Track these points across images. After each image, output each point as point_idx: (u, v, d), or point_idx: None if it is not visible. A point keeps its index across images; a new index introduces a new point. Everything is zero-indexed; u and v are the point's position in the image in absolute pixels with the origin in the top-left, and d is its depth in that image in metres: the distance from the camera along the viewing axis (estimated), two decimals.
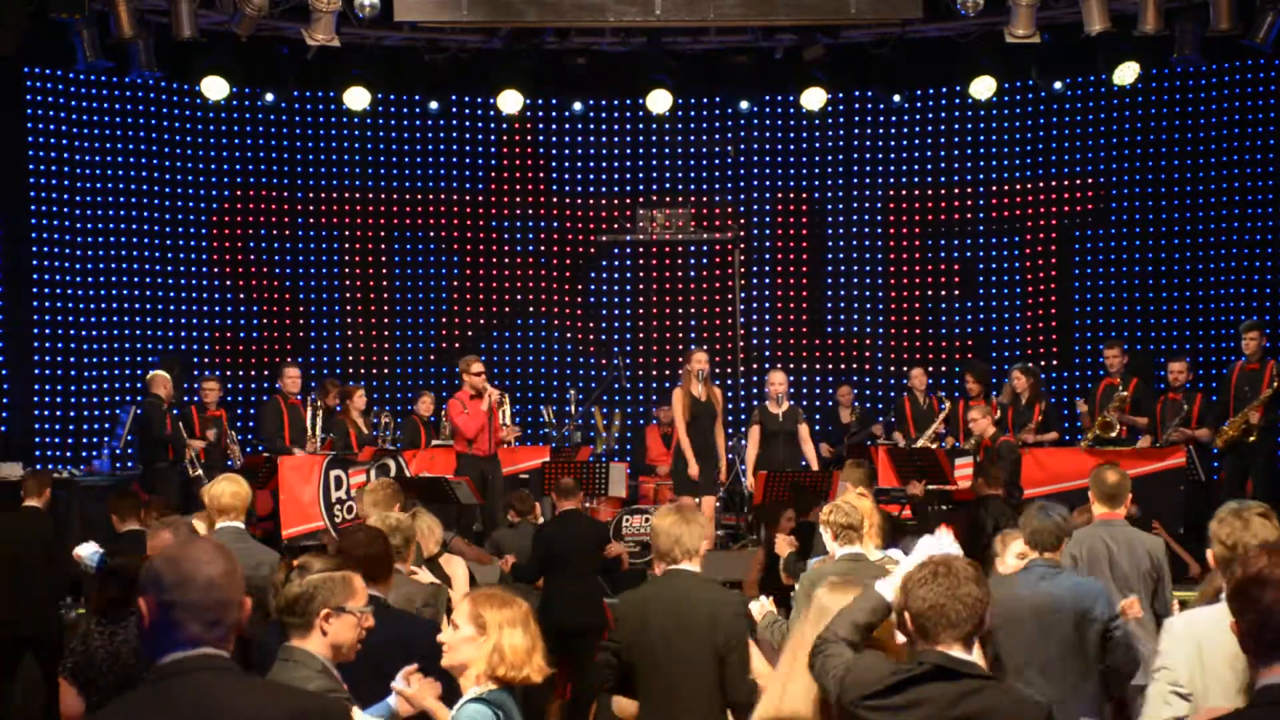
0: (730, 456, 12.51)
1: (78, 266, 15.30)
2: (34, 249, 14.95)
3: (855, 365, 16.86)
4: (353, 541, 5.54)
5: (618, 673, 5.73)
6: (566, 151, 17.28)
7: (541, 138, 17.22)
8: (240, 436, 14.44)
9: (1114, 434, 12.91)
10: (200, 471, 13.09)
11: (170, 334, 15.90)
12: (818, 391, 16.94)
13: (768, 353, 16.87)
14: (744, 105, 16.93)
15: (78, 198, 15.31)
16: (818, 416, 16.38)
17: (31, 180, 14.97)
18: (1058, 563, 6.30)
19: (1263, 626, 2.79)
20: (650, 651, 5.63)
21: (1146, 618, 7.10)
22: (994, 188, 16.70)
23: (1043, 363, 15.47)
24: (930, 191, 16.85)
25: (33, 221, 14.98)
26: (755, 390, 15.63)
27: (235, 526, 7.01)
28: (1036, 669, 6.00)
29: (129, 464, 13.83)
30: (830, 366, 16.96)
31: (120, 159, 15.64)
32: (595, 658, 8.95)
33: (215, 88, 14.48)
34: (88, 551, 9.39)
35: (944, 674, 3.68)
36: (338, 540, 8.28)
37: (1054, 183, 16.45)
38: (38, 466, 12.74)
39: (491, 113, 16.42)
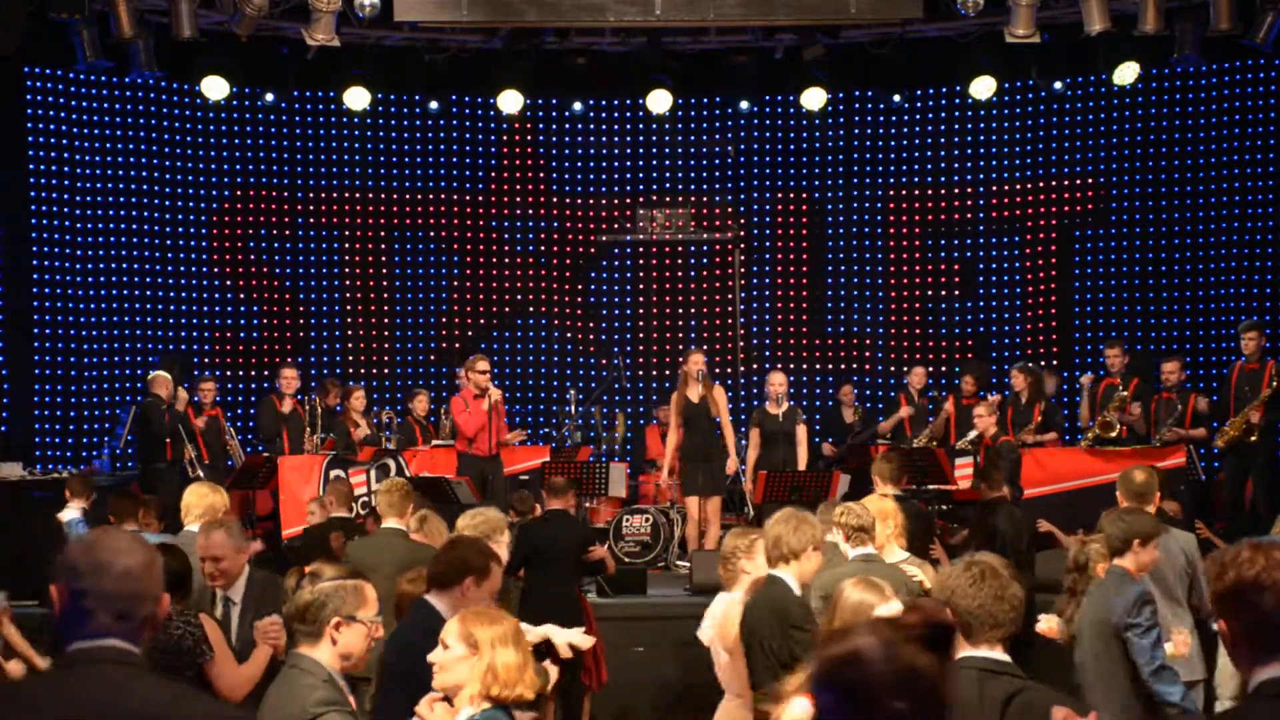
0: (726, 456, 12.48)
1: (78, 266, 15.30)
2: (34, 249, 14.95)
3: (855, 365, 16.86)
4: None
5: None
6: (566, 151, 17.27)
7: (541, 138, 17.22)
8: (240, 437, 14.45)
9: (1114, 434, 12.91)
10: (200, 473, 13.10)
11: (170, 334, 15.90)
12: (818, 391, 16.94)
13: (768, 353, 16.87)
14: (744, 105, 16.92)
15: (78, 198, 15.31)
16: (818, 416, 16.41)
17: (31, 180, 14.97)
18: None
19: (1261, 627, 2.80)
20: None
21: (1183, 612, 7.14)
22: (994, 188, 16.70)
23: (1043, 363, 15.47)
24: (930, 191, 16.85)
25: (33, 221, 14.98)
26: (755, 390, 15.63)
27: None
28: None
29: (129, 464, 13.83)
30: (830, 366, 16.96)
31: (120, 159, 15.65)
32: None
33: (215, 88, 14.48)
34: (69, 517, 9.43)
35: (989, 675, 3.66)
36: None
37: (1054, 183, 16.46)
38: (82, 467, 12.79)
39: (491, 113, 16.42)
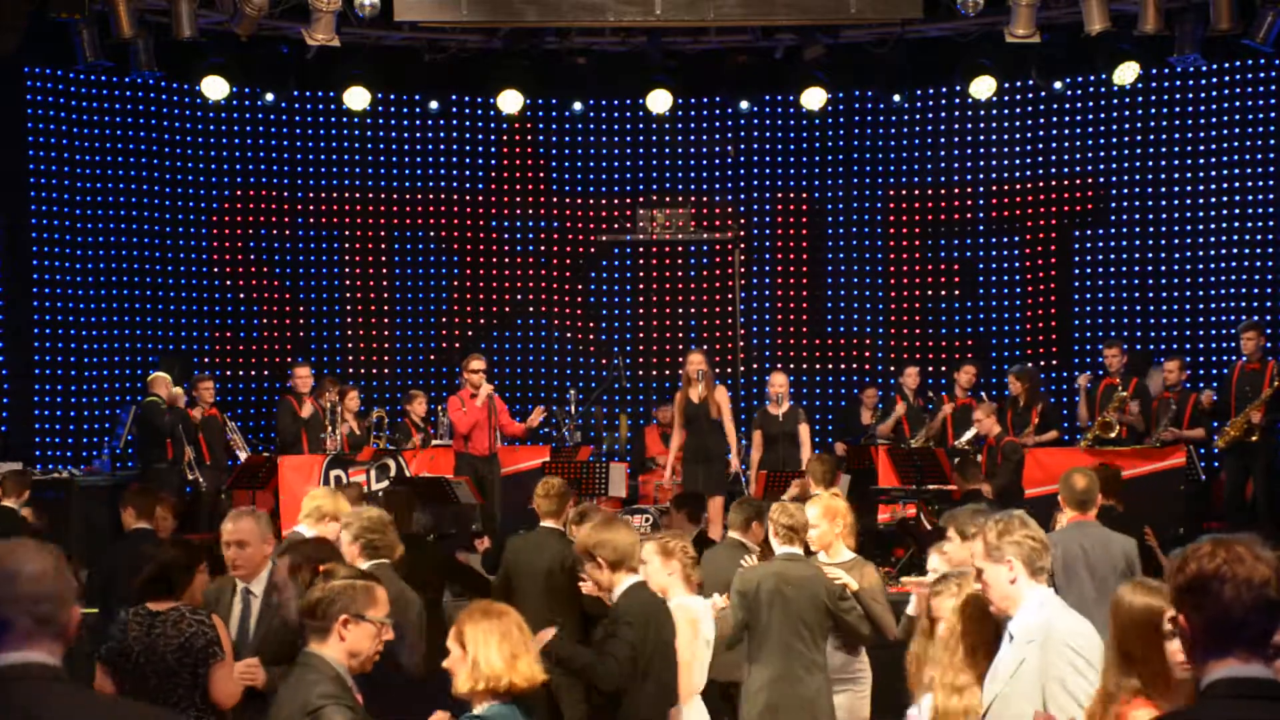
0: (730, 455, 12.49)
1: (78, 266, 15.30)
2: (34, 249, 14.95)
3: (855, 365, 16.87)
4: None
5: None
6: (566, 151, 17.27)
7: (541, 138, 17.22)
8: (248, 436, 14.45)
9: (1113, 434, 12.91)
10: (197, 474, 13.09)
11: (170, 334, 15.90)
12: (818, 391, 16.95)
13: (768, 353, 16.88)
14: (744, 105, 16.92)
15: (78, 198, 15.31)
16: (831, 416, 16.44)
17: (31, 180, 14.96)
18: None
19: (1219, 622, 2.79)
20: None
21: None
22: (994, 188, 16.70)
23: (1042, 363, 15.48)
24: (930, 191, 16.85)
25: (33, 221, 14.98)
26: (756, 390, 15.63)
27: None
28: None
29: (129, 464, 13.82)
30: (830, 366, 16.96)
31: (120, 159, 15.64)
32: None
33: (215, 88, 14.49)
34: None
35: None
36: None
37: (1054, 183, 16.45)
38: (23, 468, 12.73)
39: (491, 113, 16.42)
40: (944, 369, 16.34)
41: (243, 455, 13.77)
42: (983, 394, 13.87)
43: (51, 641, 2.82)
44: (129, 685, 5.51)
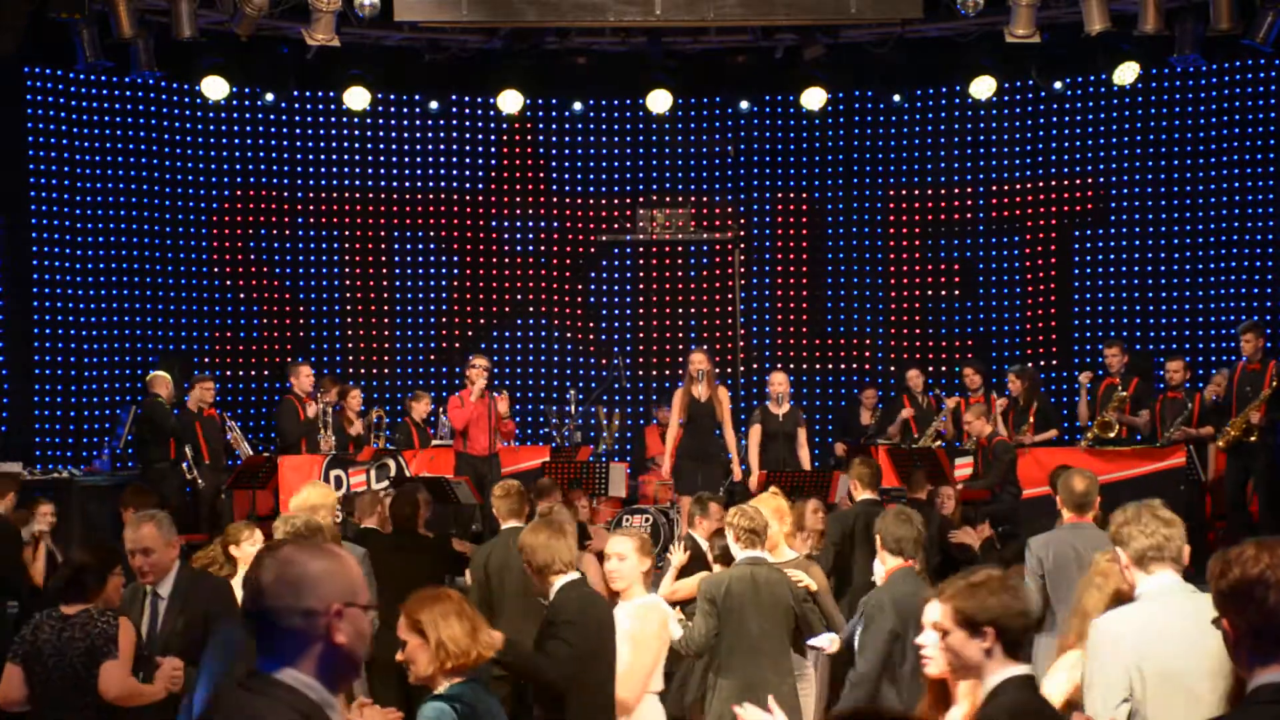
0: (728, 455, 12.48)
1: (78, 266, 15.29)
2: (34, 249, 14.95)
3: (855, 365, 16.87)
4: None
5: None
6: (566, 151, 17.28)
7: (541, 138, 17.22)
8: (250, 436, 14.44)
9: (1113, 434, 12.91)
10: (196, 474, 13.08)
11: (170, 334, 15.89)
12: (818, 391, 16.95)
13: (768, 353, 16.88)
14: (744, 105, 16.93)
15: (78, 198, 15.31)
16: (831, 416, 16.43)
17: (31, 180, 14.96)
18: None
19: (1265, 627, 2.77)
20: None
21: None
22: (994, 188, 16.70)
23: (1042, 362, 15.48)
24: (930, 191, 16.85)
25: (33, 221, 14.98)
26: (756, 390, 15.63)
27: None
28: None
29: (129, 464, 13.82)
30: (830, 366, 16.97)
31: (120, 159, 15.64)
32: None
33: (215, 88, 14.49)
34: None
35: None
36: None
37: (1054, 183, 16.46)
38: (83, 467, 12.79)
39: (491, 113, 16.43)
40: (944, 369, 16.35)
41: (243, 449, 13.76)
42: (993, 394, 13.86)
43: None
44: (39, 688, 5.54)
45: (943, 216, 16.86)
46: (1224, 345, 15.18)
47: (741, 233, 16.74)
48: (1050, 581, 7.19)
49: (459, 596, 4.48)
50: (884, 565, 6.49)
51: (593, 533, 9.88)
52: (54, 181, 15.15)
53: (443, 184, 17.04)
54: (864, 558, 8.65)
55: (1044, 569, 7.19)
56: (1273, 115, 15.29)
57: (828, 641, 6.84)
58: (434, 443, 13.68)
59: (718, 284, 16.95)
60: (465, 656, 4.32)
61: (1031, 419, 13.22)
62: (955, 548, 9.51)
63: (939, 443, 13.48)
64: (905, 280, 16.91)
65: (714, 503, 8.83)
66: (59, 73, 15.02)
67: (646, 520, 12.72)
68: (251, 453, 13.76)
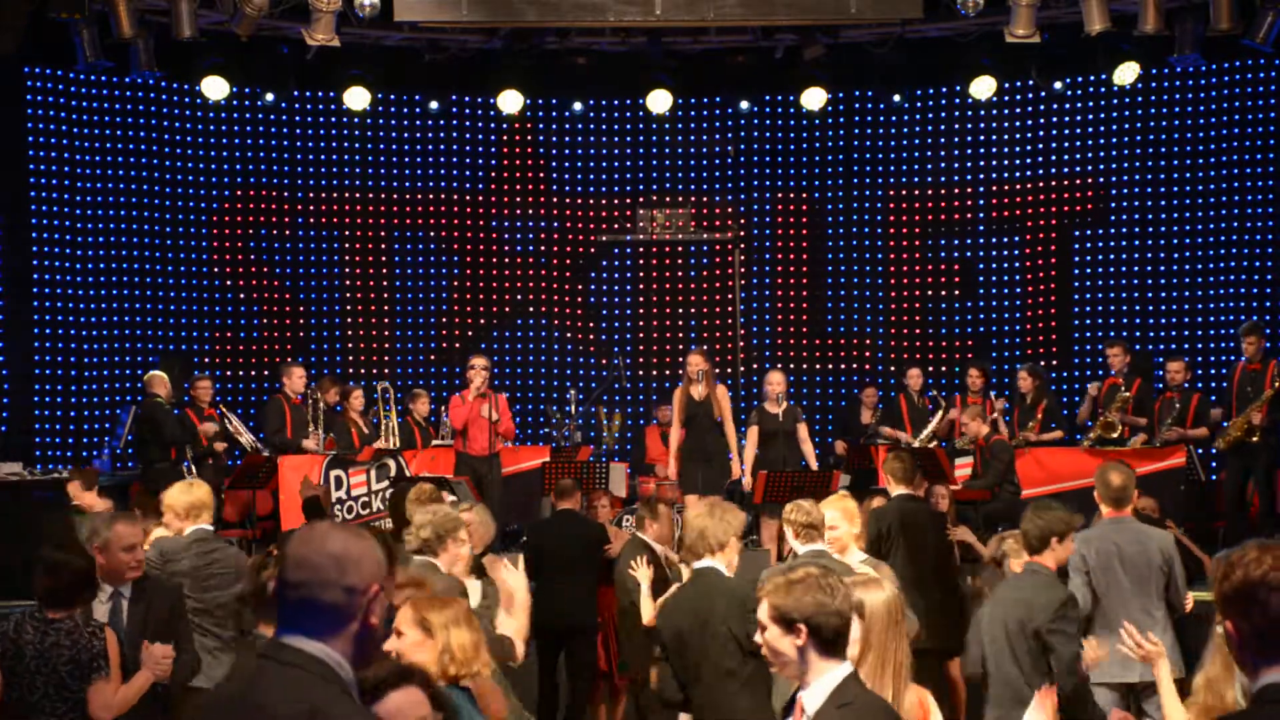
0: (729, 456, 12.48)
1: (78, 266, 15.30)
2: (34, 249, 14.95)
3: (855, 365, 16.87)
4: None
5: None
6: (566, 151, 17.28)
7: (541, 138, 17.22)
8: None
9: (1115, 434, 12.92)
10: (196, 474, 13.05)
11: (170, 334, 15.90)
12: (818, 391, 16.95)
13: (768, 353, 16.87)
14: (744, 105, 16.93)
15: (78, 198, 15.31)
16: (831, 416, 16.42)
17: (31, 180, 14.96)
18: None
19: (1267, 630, 2.78)
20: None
21: (1161, 613, 7.18)
22: (994, 188, 16.70)
23: (1043, 362, 15.47)
24: (930, 191, 16.85)
25: (33, 221, 14.98)
26: (755, 390, 15.63)
27: (206, 529, 7.08)
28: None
29: (129, 464, 13.81)
30: (830, 366, 16.96)
31: (120, 159, 15.64)
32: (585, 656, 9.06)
33: (215, 88, 14.49)
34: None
35: None
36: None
37: (1054, 183, 16.45)
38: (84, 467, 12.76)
39: (491, 113, 16.42)
40: (944, 369, 16.36)
41: (244, 440, 13.74)
42: (993, 394, 13.86)
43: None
44: (17, 690, 5.41)
45: (943, 216, 16.86)
46: (1224, 345, 15.18)
47: (741, 233, 16.74)
48: (1095, 578, 7.21)
49: (468, 607, 4.45)
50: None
51: (613, 535, 9.83)
52: (54, 181, 15.15)
53: (443, 184, 17.04)
54: (901, 553, 8.63)
55: (1088, 565, 7.20)
56: (1273, 115, 15.28)
57: None
58: (434, 442, 13.68)
59: (718, 284, 16.95)
60: (466, 668, 4.28)
61: (1039, 416, 13.21)
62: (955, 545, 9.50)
63: (936, 443, 13.48)
64: (905, 280, 16.91)
65: (662, 504, 8.85)
66: (59, 73, 15.02)
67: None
68: (254, 440, 13.76)
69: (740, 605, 5.91)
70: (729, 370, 15.54)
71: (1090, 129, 16.22)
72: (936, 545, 9.01)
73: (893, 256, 16.95)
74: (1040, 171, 16.50)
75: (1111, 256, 16.22)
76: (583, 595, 9.37)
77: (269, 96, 15.98)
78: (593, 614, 9.32)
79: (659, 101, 15.24)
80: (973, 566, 9.55)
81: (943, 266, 16.90)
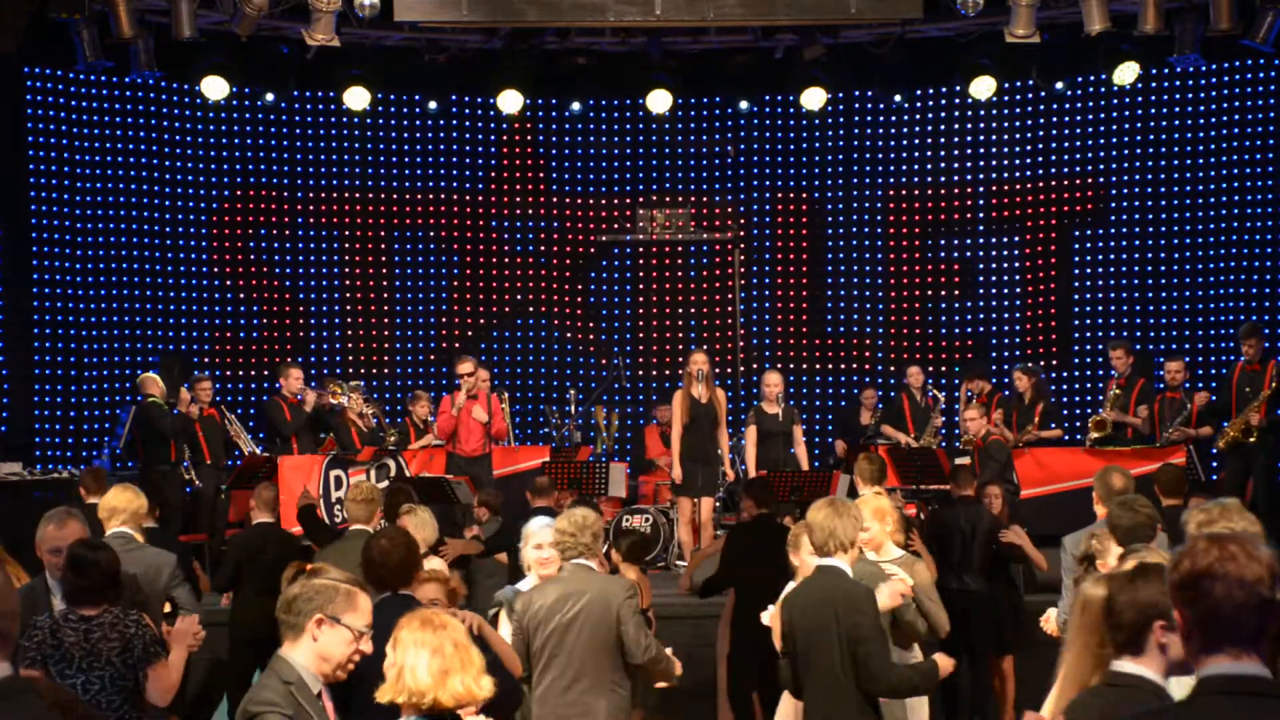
0: (731, 456, 12.49)
1: (78, 266, 15.30)
2: (34, 249, 14.95)
3: (855, 365, 16.87)
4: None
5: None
6: (566, 151, 17.28)
7: (541, 138, 17.23)
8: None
9: (1106, 432, 12.94)
10: (195, 474, 13.07)
11: (170, 334, 15.90)
12: (818, 391, 16.95)
13: (768, 353, 16.88)
14: (744, 105, 16.93)
15: (78, 198, 15.31)
16: (831, 416, 16.42)
17: (31, 180, 14.97)
18: None
19: (1211, 619, 2.82)
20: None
21: None
22: (994, 188, 16.70)
23: (1043, 362, 15.48)
24: (930, 191, 16.86)
25: (33, 221, 14.98)
26: (755, 390, 15.63)
27: (124, 532, 7.03)
28: None
29: (129, 464, 13.81)
30: (830, 366, 16.97)
31: (120, 159, 15.65)
32: None
33: (215, 88, 14.49)
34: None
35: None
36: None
37: (1054, 182, 16.46)
38: (82, 467, 12.74)
39: (491, 113, 16.43)
40: (944, 369, 16.36)
41: (243, 443, 13.75)
42: (995, 394, 13.87)
43: (6, 653, 2.82)
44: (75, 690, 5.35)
45: (943, 216, 16.86)
46: (1224, 345, 15.18)
47: (741, 233, 16.75)
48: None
49: (453, 635, 4.06)
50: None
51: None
52: (54, 181, 15.16)
53: (443, 184, 17.04)
54: None
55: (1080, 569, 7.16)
56: (1273, 115, 15.28)
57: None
58: (433, 443, 13.68)
59: (718, 284, 16.95)
60: (420, 697, 3.95)
61: (1036, 418, 13.22)
62: (1005, 546, 9.47)
63: (938, 442, 13.49)
64: (905, 280, 16.91)
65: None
66: (59, 73, 15.03)
67: (646, 520, 12.74)
68: (253, 445, 13.77)
69: (854, 603, 5.86)
70: (729, 370, 15.56)
71: (1090, 129, 16.23)
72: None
73: (893, 256, 16.95)
74: (1040, 171, 16.50)
75: (1111, 256, 16.22)
76: None
77: (269, 96, 15.99)
78: None
79: (659, 101, 15.24)
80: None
81: (943, 266, 16.90)
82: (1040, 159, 16.50)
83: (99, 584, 5.54)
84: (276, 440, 13.46)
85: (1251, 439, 12.15)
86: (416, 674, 3.95)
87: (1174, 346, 15.22)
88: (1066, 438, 14.00)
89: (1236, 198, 15.50)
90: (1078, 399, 15.93)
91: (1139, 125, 15.98)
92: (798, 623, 6.00)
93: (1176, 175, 15.86)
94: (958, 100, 16.32)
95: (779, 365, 15.13)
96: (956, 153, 16.73)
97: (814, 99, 15.26)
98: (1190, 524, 4.65)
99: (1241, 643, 2.81)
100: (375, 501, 8.12)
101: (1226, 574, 2.80)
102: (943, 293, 16.87)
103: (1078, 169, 16.34)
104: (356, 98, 15.02)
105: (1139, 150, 16.01)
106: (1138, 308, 16.01)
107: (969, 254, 16.84)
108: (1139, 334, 15.76)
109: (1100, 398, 13.93)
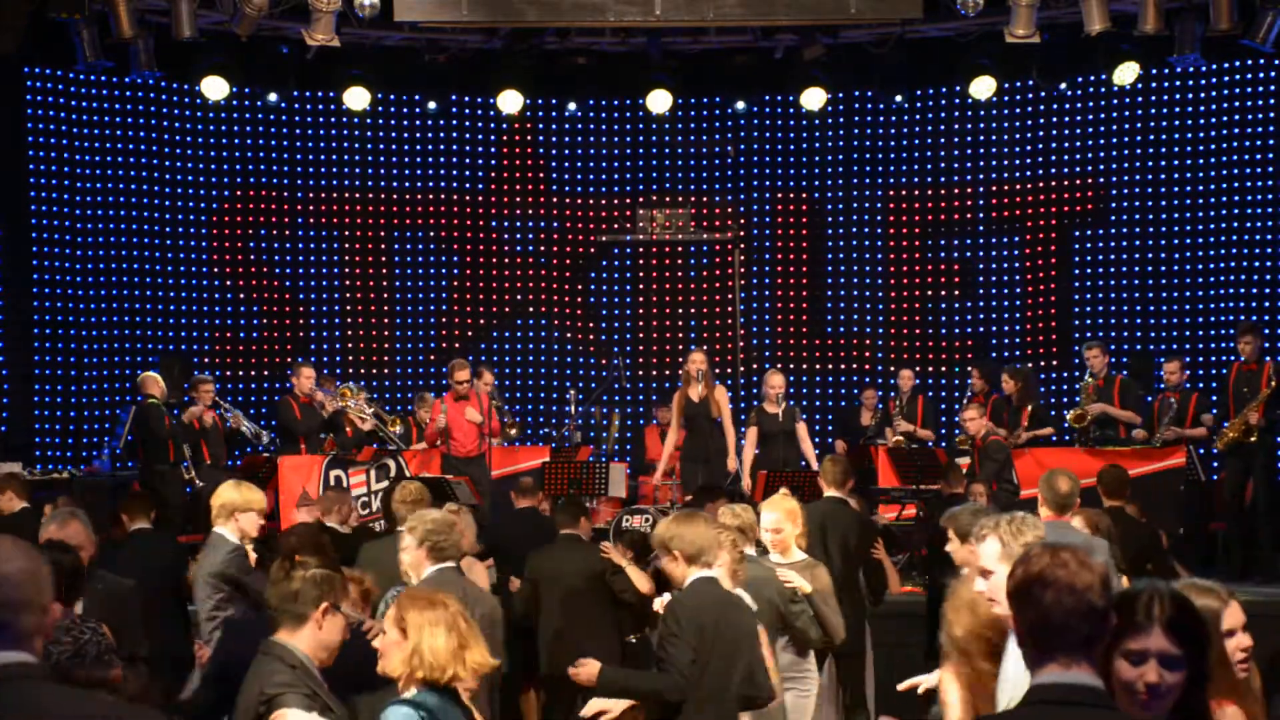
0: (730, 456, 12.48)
1: (78, 266, 15.30)
2: (34, 249, 14.95)
3: (855, 365, 16.87)
4: None
5: None
6: (566, 151, 17.28)
7: (541, 138, 17.23)
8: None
9: (1085, 424, 12.94)
10: (195, 474, 13.07)
11: (170, 334, 15.90)
12: (818, 391, 16.95)
13: (768, 353, 16.87)
14: (743, 105, 16.92)
15: (78, 198, 15.32)
16: (831, 416, 16.42)
17: (31, 180, 14.97)
18: None
19: (1041, 626, 2.80)
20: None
21: None
22: (994, 188, 16.70)
23: (1042, 363, 15.48)
24: (930, 191, 16.85)
25: (33, 221, 14.99)
26: (755, 390, 15.63)
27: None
28: None
29: (129, 464, 13.81)
30: (830, 366, 16.96)
31: (120, 159, 15.65)
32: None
33: (215, 88, 14.48)
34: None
35: None
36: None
37: (1054, 182, 16.45)
38: (83, 468, 12.75)
39: (491, 113, 16.43)
40: (944, 369, 16.35)
41: (245, 428, 13.74)
42: (994, 393, 13.87)
43: (35, 640, 2.81)
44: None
45: (943, 216, 16.86)
46: (1224, 345, 15.16)
47: (741, 233, 16.75)
48: None
49: (457, 609, 4.30)
50: None
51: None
52: (54, 181, 15.16)
53: (443, 184, 17.04)
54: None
55: None
56: (1273, 115, 15.27)
57: None
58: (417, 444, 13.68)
59: (718, 284, 16.95)
60: (441, 672, 4.15)
61: (1025, 421, 13.22)
62: None
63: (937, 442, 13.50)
64: (905, 280, 16.90)
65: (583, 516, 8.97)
66: (59, 73, 15.03)
67: (646, 521, 12.72)
68: (257, 429, 13.77)
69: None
70: (729, 370, 15.56)
71: (1090, 129, 16.22)
72: (859, 548, 8.89)
73: (893, 256, 16.95)
74: (1040, 171, 16.50)
75: (1111, 256, 16.21)
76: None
77: (269, 96, 15.98)
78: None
79: (659, 101, 15.24)
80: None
81: (943, 266, 16.89)
82: (1040, 159, 16.50)
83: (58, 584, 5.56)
84: (285, 440, 13.43)
85: (1251, 439, 12.15)
86: (436, 652, 4.13)
87: (1174, 346, 15.22)
88: (1054, 437, 13.96)
89: (1236, 198, 15.49)
90: (1078, 399, 15.90)
91: (1139, 125, 15.97)
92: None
93: (1176, 175, 15.86)
94: (958, 100, 16.31)
95: (779, 365, 15.11)
96: (956, 153, 16.73)
97: (814, 99, 15.26)
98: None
99: (1072, 650, 2.78)
100: (423, 502, 8.16)
101: (1057, 580, 2.79)
102: (943, 293, 16.87)
103: (1078, 169, 16.34)
104: (356, 98, 15.01)
105: (1139, 150, 16.00)
106: (1138, 308, 16.00)
107: (969, 254, 16.84)
108: (1139, 334, 15.77)
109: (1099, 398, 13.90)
